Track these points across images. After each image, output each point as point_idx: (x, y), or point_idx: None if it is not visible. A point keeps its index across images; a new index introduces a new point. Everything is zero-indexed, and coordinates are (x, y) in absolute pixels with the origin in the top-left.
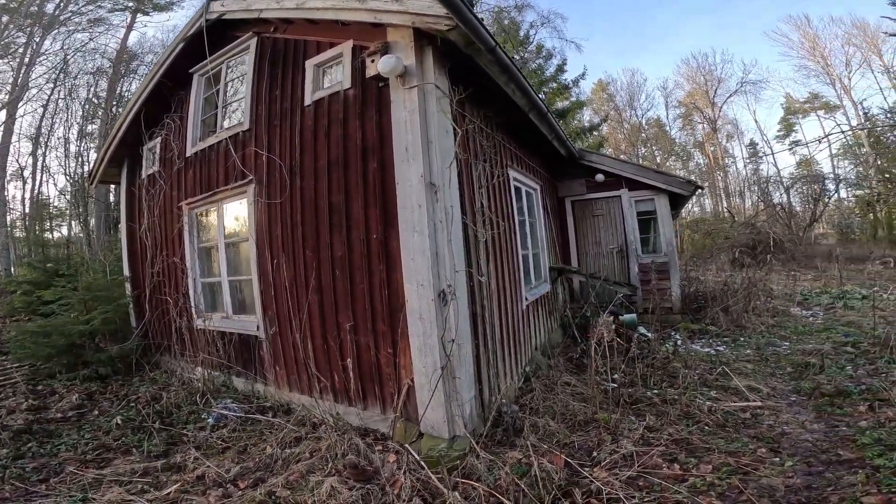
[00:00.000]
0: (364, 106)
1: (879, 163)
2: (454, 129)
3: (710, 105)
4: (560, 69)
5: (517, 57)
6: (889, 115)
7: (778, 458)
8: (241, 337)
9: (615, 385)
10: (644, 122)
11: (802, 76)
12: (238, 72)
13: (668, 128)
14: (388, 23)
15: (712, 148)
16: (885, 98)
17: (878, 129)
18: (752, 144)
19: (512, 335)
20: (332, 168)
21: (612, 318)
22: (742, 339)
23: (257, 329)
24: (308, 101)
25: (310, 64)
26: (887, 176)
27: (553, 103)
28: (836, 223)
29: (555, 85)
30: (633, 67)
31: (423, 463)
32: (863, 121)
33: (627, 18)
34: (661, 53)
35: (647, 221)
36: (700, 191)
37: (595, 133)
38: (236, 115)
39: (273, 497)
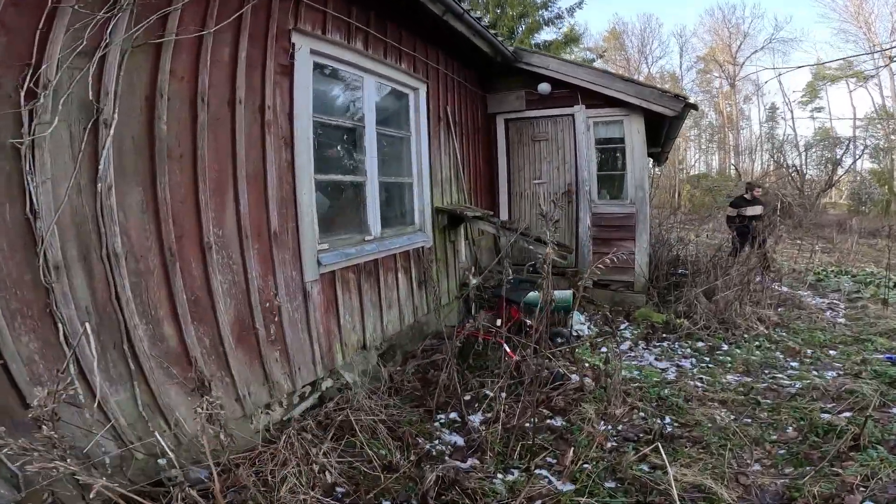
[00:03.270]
0: None
1: None
2: None
3: (732, 61)
4: None
5: None
6: None
7: None
8: None
9: (455, 444)
10: (656, 72)
11: (840, 40)
12: None
13: (680, 79)
14: None
15: (728, 107)
16: None
17: None
18: (773, 108)
19: (252, 332)
20: None
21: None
22: (726, 346)
23: None
24: None
25: None
26: None
27: (536, 31)
28: (853, 191)
29: (546, 14)
30: (649, 13)
31: None
32: None
33: None
34: (688, 8)
35: (612, 154)
36: (693, 111)
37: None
38: None
39: None
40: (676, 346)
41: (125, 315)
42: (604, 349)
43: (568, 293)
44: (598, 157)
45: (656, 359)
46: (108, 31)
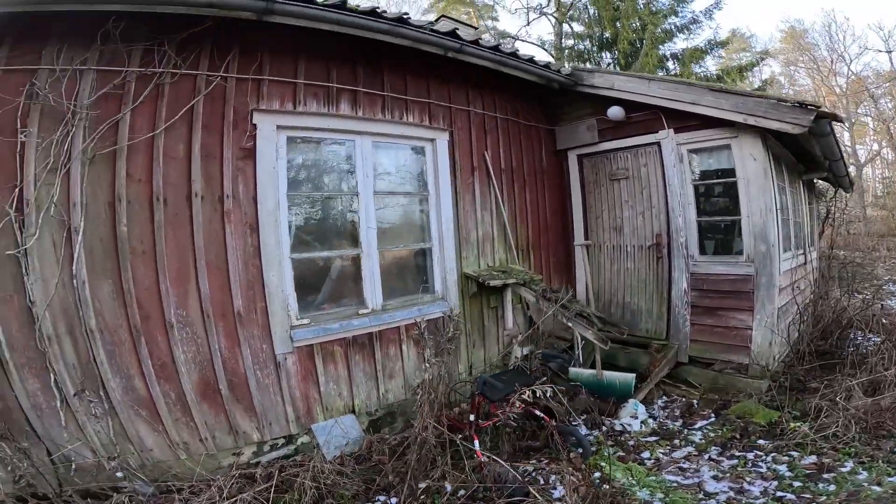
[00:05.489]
0: None
1: None
2: None
3: None
4: None
5: None
6: None
7: None
8: None
9: None
10: (862, 71)
11: None
12: None
13: None
14: None
15: None
16: None
17: None
18: None
19: (217, 392)
20: None
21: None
22: (850, 465)
23: None
24: None
25: None
26: None
27: (664, 42)
28: None
29: (677, 21)
30: (827, 7)
31: None
32: None
33: None
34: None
35: (719, 193)
36: (839, 123)
37: (755, 78)
38: None
39: None
40: (767, 460)
41: (101, 371)
42: (645, 454)
43: (629, 378)
44: (698, 197)
45: (716, 476)
46: (67, 147)
